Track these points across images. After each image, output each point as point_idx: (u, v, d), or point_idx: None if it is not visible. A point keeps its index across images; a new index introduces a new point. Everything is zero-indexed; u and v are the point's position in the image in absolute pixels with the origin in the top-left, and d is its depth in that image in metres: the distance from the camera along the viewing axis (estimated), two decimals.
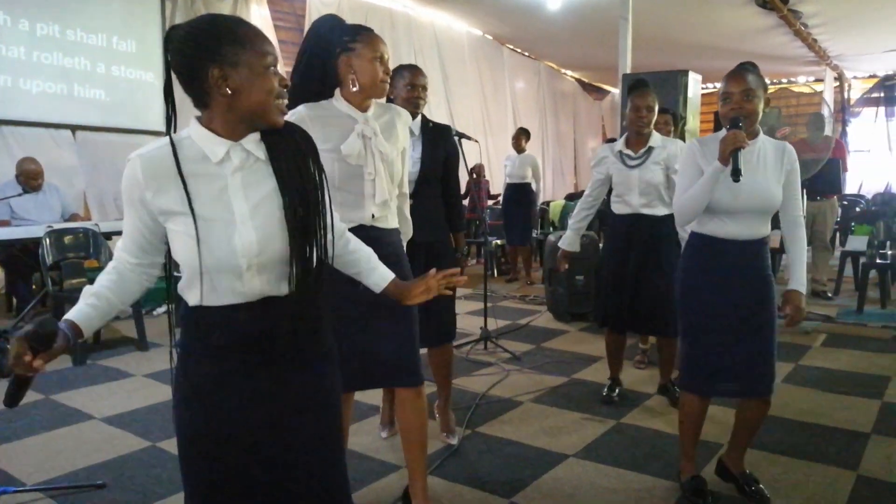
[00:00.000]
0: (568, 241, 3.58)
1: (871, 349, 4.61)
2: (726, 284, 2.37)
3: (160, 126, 7.62)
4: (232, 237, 1.36)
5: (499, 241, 8.10)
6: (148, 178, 1.37)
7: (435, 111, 10.80)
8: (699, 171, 2.33)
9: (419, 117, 2.97)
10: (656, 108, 3.39)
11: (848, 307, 5.88)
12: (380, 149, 2.21)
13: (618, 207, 3.48)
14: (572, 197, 11.64)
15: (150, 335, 4.77)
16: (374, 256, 1.74)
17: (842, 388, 3.80)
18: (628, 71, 6.02)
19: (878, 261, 5.90)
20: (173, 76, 1.38)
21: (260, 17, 8.57)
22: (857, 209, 9.59)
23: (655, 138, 3.42)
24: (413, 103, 2.90)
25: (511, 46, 12.69)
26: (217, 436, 1.45)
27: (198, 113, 1.43)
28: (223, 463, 1.45)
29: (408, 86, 2.90)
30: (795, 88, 14.64)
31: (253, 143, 1.41)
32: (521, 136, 7.61)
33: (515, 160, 7.53)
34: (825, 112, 12.81)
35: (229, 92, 1.34)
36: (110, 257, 4.30)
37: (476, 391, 3.78)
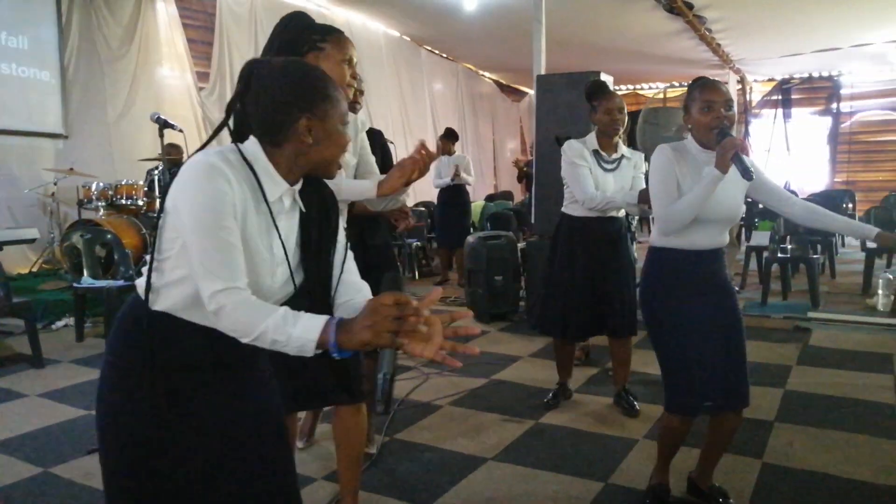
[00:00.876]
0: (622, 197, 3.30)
1: (774, 339, 4.82)
2: (698, 297, 2.31)
3: (58, 128, 7.26)
4: (274, 273, 1.37)
5: (418, 243, 8.05)
6: (236, 180, 1.30)
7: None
8: (676, 179, 2.26)
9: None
10: (626, 109, 3.34)
11: (753, 300, 6.13)
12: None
13: (577, 209, 3.37)
14: (492, 198, 11.75)
15: (47, 351, 4.46)
16: None
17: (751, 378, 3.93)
18: (542, 72, 6.08)
19: (779, 255, 6.20)
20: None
21: (167, 14, 8.23)
22: (760, 206, 10.07)
23: (623, 147, 3.40)
24: (351, 106, 2.82)
25: (429, 48, 12.69)
26: (164, 455, 1.36)
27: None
28: (162, 488, 1.36)
29: (342, 62, 2.82)
30: None
31: (297, 189, 1.43)
32: (450, 139, 7.55)
33: (447, 162, 7.47)
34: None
35: (310, 142, 1.35)
36: None
37: (395, 397, 3.71)
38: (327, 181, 1.48)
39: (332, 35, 2.08)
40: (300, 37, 2.04)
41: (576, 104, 5.14)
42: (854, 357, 4.35)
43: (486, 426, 3.30)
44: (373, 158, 2.37)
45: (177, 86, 8.31)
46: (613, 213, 3.39)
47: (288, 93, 1.33)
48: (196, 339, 1.36)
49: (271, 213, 1.35)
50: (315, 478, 2.75)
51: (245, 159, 1.33)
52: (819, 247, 7.10)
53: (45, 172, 6.72)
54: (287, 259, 1.38)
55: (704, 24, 10.20)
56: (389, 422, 3.33)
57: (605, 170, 3.33)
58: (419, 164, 2.07)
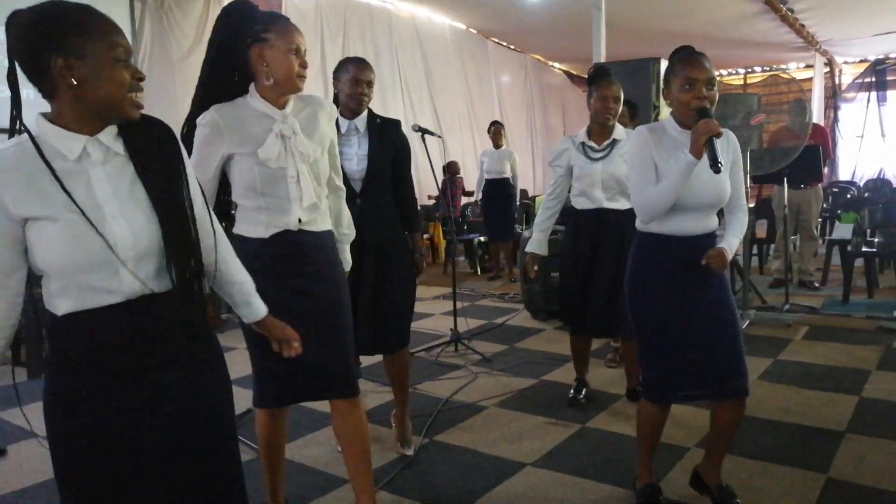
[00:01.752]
0: (536, 243, 3.36)
1: (854, 341, 4.46)
2: (683, 284, 2.21)
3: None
4: (105, 232, 1.32)
5: (482, 238, 7.96)
6: (4, 183, 1.28)
7: (418, 107, 10.67)
8: (652, 163, 2.17)
9: (364, 113, 2.82)
10: (622, 99, 3.25)
11: (835, 297, 5.73)
12: (300, 149, 2.07)
13: (580, 202, 3.32)
14: None
15: None
16: (252, 286, 1.66)
17: (820, 385, 3.65)
18: (602, 60, 5.88)
19: (863, 249, 5.77)
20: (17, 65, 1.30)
21: None
22: (849, 196, 9.43)
23: (619, 130, 3.27)
24: (356, 100, 2.76)
25: (496, 40, 12.54)
26: (97, 450, 1.36)
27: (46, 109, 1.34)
28: (105, 479, 1.37)
29: (351, 80, 2.74)
30: (785, 75, 14.50)
31: (110, 137, 1.37)
32: (500, 130, 7.47)
33: (493, 155, 7.40)
34: (813, 98, 12.72)
35: (74, 83, 1.28)
36: None
37: (440, 396, 3.64)
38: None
39: (276, 23, 1.99)
40: (241, 28, 1.96)
41: (633, 93, 4.93)
42: None
43: (529, 429, 3.19)
44: (339, 161, 2.25)
45: None
46: (617, 206, 3.24)
47: (33, 35, 1.25)
48: (111, 327, 1.34)
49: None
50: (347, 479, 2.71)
51: (31, 136, 1.29)
52: None
53: None
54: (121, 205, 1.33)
55: (786, 5, 9.63)
56: (431, 423, 3.27)
57: (592, 159, 3.22)
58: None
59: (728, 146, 2.20)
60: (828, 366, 3.99)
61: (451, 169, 8.71)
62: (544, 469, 2.77)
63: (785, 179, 5.35)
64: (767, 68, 14.34)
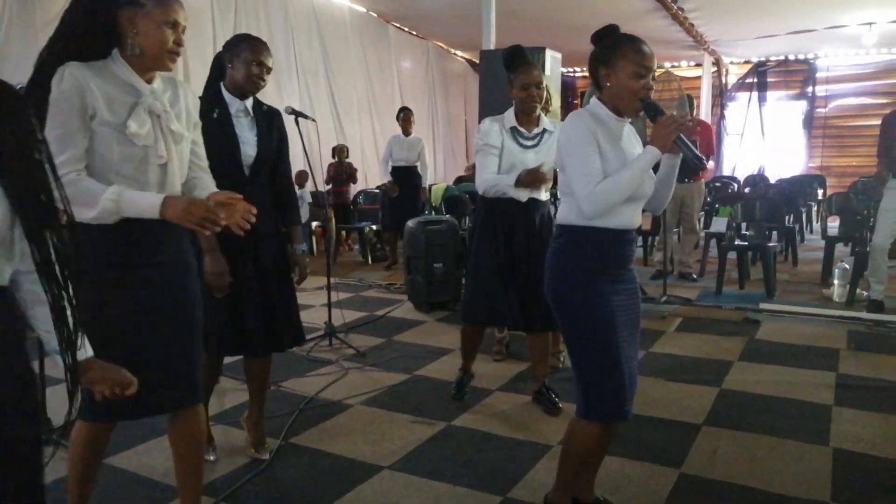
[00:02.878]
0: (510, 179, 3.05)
1: (722, 332, 4.61)
2: (621, 285, 2.04)
3: None
4: None
5: (374, 227, 7.78)
6: None
7: (314, 91, 10.32)
8: (598, 151, 1.93)
9: (251, 98, 2.61)
10: (545, 84, 3.11)
11: (709, 289, 5.93)
12: (171, 128, 1.85)
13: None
14: (461, 180, 11.45)
15: None
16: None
17: (685, 377, 3.73)
18: (492, 47, 5.82)
19: (736, 242, 5.99)
20: None
21: None
22: (730, 191, 9.87)
23: (546, 120, 3.17)
24: (254, 83, 2.53)
25: (397, 24, 12.31)
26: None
27: None
28: None
29: (252, 63, 2.49)
30: (679, 72, 15.05)
31: None
32: (410, 116, 7.25)
33: (403, 143, 7.19)
34: (702, 95, 13.24)
35: None
36: None
37: (305, 394, 3.46)
38: None
39: (249, 39, 1.96)
40: None
41: None
42: (800, 352, 4.15)
43: (392, 429, 3.06)
44: (186, 150, 1.96)
45: None
46: (536, 197, 3.13)
47: None
48: None
49: None
50: None
51: None
52: (775, 234, 6.90)
53: None
54: None
55: (676, 3, 9.93)
56: (291, 424, 3.09)
57: (524, 146, 3.09)
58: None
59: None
60: (695, 357, 4.08)
61: (339, 154, 8.43)
62: (401, 472, 2.65)
63: None
64: (660, 66, 14.82)
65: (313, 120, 4.08)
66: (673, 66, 14.86)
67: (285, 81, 10.01)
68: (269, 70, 2.55)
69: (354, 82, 11.16)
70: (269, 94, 10.12)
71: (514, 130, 3.09)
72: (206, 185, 1.98)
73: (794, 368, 3.84)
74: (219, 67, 2.60)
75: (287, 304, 2.69)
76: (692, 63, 14.24)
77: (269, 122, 2.63)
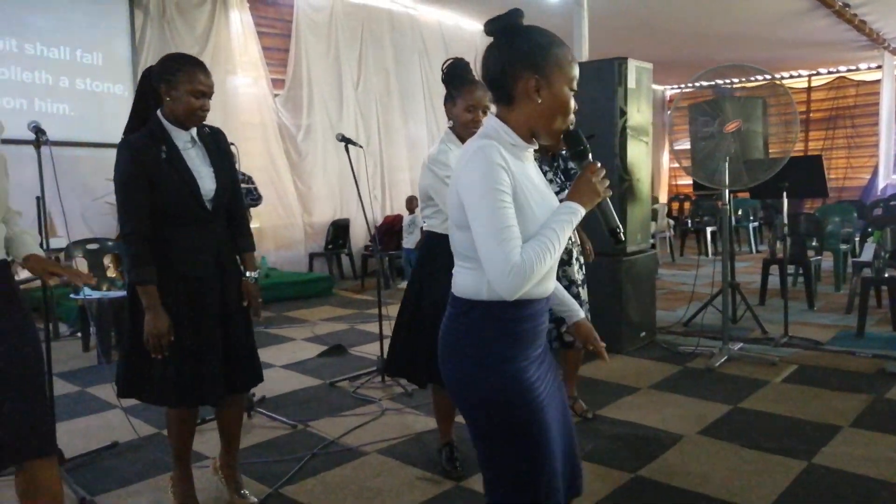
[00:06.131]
0: None
1: (842, 387, 3.78)
2: (544, 365, 1.60)
3: None
4: None
5: None
6: None
7: (440, 114, 10.30)
8: (512, 197, 1.43)
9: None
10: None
11: (850, 329, 4.99)
12: None
13: (441, 225, 2.71)
14: None
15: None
16: None
17: (768, 444, 3.06)
18: (585, 59, 5.38)
19: (886, 275, 5.00)
20: None
21: (241, 23, 8.34)
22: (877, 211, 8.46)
23: None
24: (199, 118, 2.33)
25: None
26: None
27: None
28: None
29: (193, 92, 2.27)
30: (856, 76, 13.33)
31: None
32: None
33: None
34: (882, 102, 11.53)
35: None
36: None
37: (327, 436, 3.28)
38: None
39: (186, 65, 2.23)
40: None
41: (600, 98, 4.43)
42: None
43: (393, 485, 2.77)
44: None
45: (251, 93, 8.41)
46: None
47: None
48: None
49: None
50: None
51: None
52: None
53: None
54: None
55: (839, 0, 8.75)
56: (295, 471, 2.90)
57: None
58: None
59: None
60: (792, 419, 3.37)
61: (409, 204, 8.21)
62: None
63: (784, 193, 4.69)
64: (833, 70, 13.22)
65: (360, 146, 3.95)
66: (849, 71, 13.20)
67: (411, 107, 10.12)
68: (211, 94, 2.33)
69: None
70: (395, 120, 10.35)
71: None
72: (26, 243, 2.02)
73: None
74: (150, 91, 2.34)
75: (246, 343, 2.50)
76: (873, 65, 12.53)
77: (217, 148, 2.45)
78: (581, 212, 1.46)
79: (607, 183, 1.47)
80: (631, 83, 4.40)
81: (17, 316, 1.86)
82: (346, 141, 3.95)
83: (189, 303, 2.33)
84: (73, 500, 2.63)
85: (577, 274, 3.39)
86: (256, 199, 7.58)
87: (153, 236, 2.29)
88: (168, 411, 2.47)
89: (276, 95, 8.62)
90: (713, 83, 4.60)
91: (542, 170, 2.65)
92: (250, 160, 8.16)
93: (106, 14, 7.30)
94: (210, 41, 8.03)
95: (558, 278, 3.28)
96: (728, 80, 4.49)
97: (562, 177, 3.36)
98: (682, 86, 14.41)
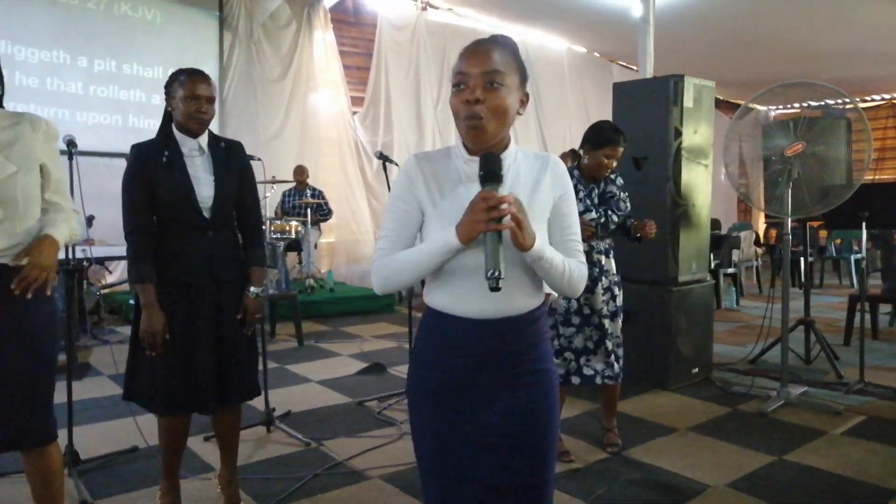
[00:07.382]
0: None
1: None
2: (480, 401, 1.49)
3: None
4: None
5: None
6: None
7: (522, 132, 10.20)
8: (416, 207, 1.50)
9: (206, 133, 2.52)
10: None
11: None
12: None
13: None
14: None
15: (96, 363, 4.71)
16: None
17: None
18: (650, 75, 5.13)
19: None
20: None
21: (325, 43, 8.61)
22: None
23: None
24: (197, 119, 2.41)
25: (623, 63, 11.76)
26: None
27: None
28: None
29: (187, 98, 2.37)
30: None
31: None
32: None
33: None
34: None
35: None
36: None
37: (336, 457, 3.24)
38: None
39: (181, 75, 2.38)
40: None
41: (653, 117, 4.21)
42: None
43: None
44: (14, 187, 1.97)
45: (330, 110, 8.64)
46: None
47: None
48: None
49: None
50: None
51: None
52: None
53: None
54: None
55: None
56: (293, 490, 2.88)
57: None
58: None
59: (551, 177, 1.52)
60: (843, 477, 3.01)
61: None
62: None
63: (864, 224, 4.26)
64: (849, 100, 12.00)
65: (396, 164, 3.92)
66: None
67: None
68: (209, 100, 2.41)
69: (569, 123, 10.87)
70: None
71: None
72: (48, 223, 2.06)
73: None
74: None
75: (242, 357, 2.51)
76: None
77: (226, 159, 2.50)
78: (453, 242, 1.37)
79: (505, 216, 1.30)
80: (688, 102, 4.14)
81: (2, 310, 1.93)
82: (384, 159, 3.94)
83: (180, 309, 2.37)
84: (74, 500, 2.72)
85: (605, 304, 3.21)
86: (326, 213, 7.76)
87: (155, 237, 2.40)
88: (158, 419, 2.52)
89: (354, 113, 8.82)
90: (822, 103, 4.29)
91: (576, 189, 3.04)
92: (325, 175, 8.38)
93: (197, 36, 7.75)
94: (294, 61, 8.34)
95: (580, 305, 3.17)
96: (838, 101, 4.18)
97: (596, 200, 3.23)
98: (780, 107, 13.56)
